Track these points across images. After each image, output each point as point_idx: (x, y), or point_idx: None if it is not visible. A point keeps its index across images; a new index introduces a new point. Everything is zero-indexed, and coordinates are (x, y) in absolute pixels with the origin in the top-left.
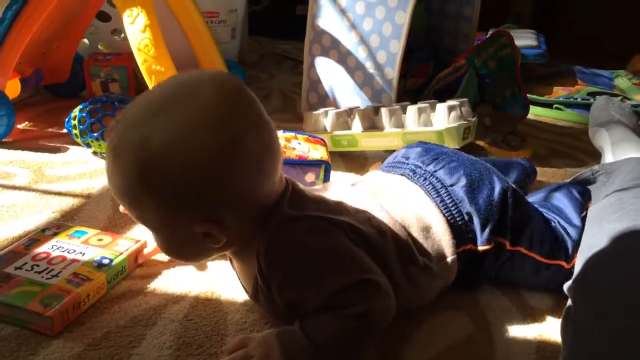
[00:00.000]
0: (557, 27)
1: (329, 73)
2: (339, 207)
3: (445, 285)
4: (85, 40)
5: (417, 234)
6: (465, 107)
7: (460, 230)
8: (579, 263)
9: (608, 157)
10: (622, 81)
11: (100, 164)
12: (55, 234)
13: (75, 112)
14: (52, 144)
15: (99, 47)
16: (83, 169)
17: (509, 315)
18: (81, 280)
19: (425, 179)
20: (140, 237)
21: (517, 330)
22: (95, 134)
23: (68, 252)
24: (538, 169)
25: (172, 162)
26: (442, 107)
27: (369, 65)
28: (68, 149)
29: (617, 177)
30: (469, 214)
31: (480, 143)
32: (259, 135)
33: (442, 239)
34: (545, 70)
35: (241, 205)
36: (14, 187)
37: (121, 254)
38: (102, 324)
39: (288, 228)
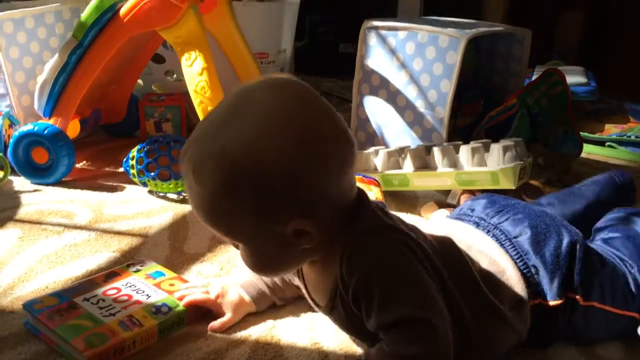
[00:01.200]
0: (604, 62)
1: (377, 112)
2: (414, 229)
3: (519, 341)
4: (140, 81)
5: (489, 276)
6: (520, 147)
7: (527, 282)
8: None
9: None
10: None
11: (156, 203)
12: (137, 271)
13: (134, 152)
14: (110, 183)
15: (153, 87)
16: (140, 207)
17: None
18: (132, 325)
19: (489, 231)
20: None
21: None
22: (152, 174)
23: (137, 292)
24: None
25: (257, 163)
26: (497, 147)
27: (420, 104)
28: (125, 187)
29: None
30: (535, 266)
31: (535, 183)
32: (332, 124)
33: (516, 284)
34: (594, 107)
35: (328, 200)
36: (75, 227)
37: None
38: None
39: (373, 236)
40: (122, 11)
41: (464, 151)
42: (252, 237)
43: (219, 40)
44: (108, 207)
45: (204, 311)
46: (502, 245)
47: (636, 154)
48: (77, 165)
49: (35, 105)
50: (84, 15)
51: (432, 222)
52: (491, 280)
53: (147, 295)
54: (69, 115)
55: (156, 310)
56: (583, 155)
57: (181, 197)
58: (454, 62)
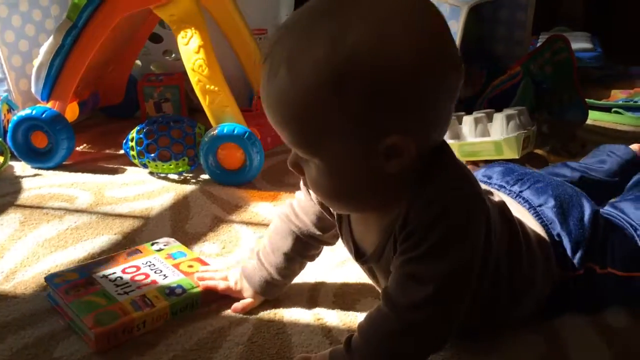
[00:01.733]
0: (610, 28)
1: None
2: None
3: (536, 310)
4: (138, 62)
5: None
6: (524, 116)
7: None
8: None
9: None
10: None
11: (157, 184)
12: (159, 250)
13: (133, 134)
14: (110, 165)
15: (151, 67)
16: (141, 189)
17: (585, 334)
18: (144, 305)
19: (512, 199)
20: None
21: (594, 351)
22: (152, 155)
23: (155, 272)
24: None
25: (374, 64)
26: (500, 117)
27: None
28: (125, 169)
29: None
30: (559, 235)
31: (539, 152)
32: (451, 39)
33: (544, 242)
34: (600, 73)
35: (430, 125)
36: (76, 210)
37: (198, 286)
38: (168, 347)
39: (461, 194)
40: None
41: (467, 122)
42: (334, 149)
43: (216, 17)
44: (109, 190)
45: (218, 294)
46: (518, 195)
47: None
48: (77, 149)
49: (33, 89)
50: None
51: None
52: (528, 245)
53: (164, 275)
54: (66, 98)
55: (170, 291)
56: (589, 122)
57: (182, 177)
58: (456, 31)
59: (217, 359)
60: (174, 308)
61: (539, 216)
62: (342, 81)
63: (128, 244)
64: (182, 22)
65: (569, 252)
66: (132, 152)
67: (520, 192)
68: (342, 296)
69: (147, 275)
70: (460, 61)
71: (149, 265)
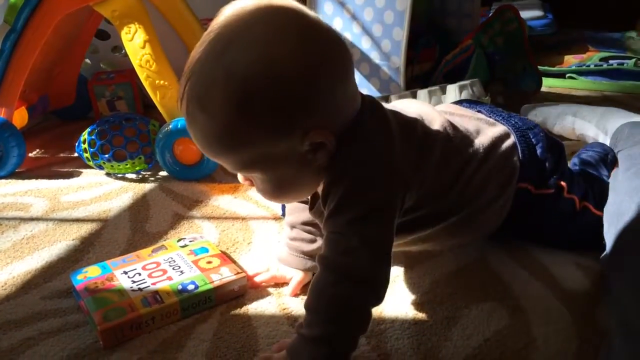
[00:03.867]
0: None
1: None
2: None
3: (495, 225)
4: (87, 60)
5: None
6: (476, 87)
7: (526, 169)
8: (610, 233)
9: (601, 138)
10: (634, 42)
11: (115, 185)
12: (184, 246)
13: (85, 135)
14: (65, 170)
15: (102, 65)
16: (98, 191)
17: (545, 301)
18: (154, 301)
19: (504, 117)
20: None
21: (555, 316)
22: (106, 155)
23: (173, 268)
24: None
25: (268, 75)
26: (452, 88)
27: (374, 56)
28: (81, 172)
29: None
30: (543, 158)
31: None
32: (327, 28)
33: (511, 154)
34: (554, 40)
35: (338, 107)
36: (31, 218)
37: (211, 282)
38: (132, 352)
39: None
40: None
41: (421, 96)
42: (268, 162)
43: (162, 10)
44: (65, 195)
45: (234, 293)
46: (517, 129)
47: (596, 82)
48: (31, 155)
49: None
50: None
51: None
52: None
53: (181, 271)
54: (12, 104)
55: (182, 287)
56: (544, 89)
57: (140, 176)
58: (404, 9)
59: (182, 358)
60: (185, 304)
61: (523, 136)
62: (246, 105)
63: (87, 249)
64: (125, 17)
65: (547, 172)
66: (85, 155)
67: (509, 116)
68: (307, 285)
69: (165, 272)
70: (341, 42)
71: (169, 262)
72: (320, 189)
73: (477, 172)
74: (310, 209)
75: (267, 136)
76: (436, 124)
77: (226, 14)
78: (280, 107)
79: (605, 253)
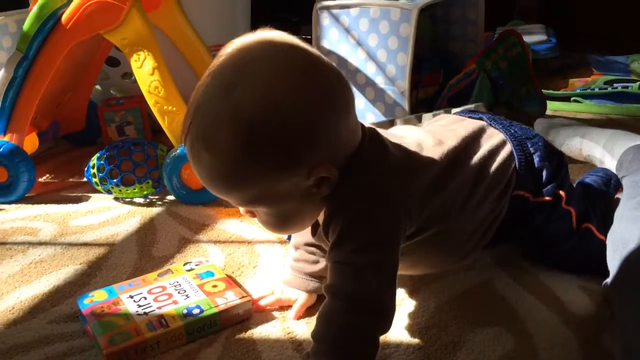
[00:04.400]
0: (565, 18)
1: None
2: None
3: (492, 227)
4: (98, 87)
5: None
6: (481, 110)
7: (523, 178)
8: (614, 259)
9: (607, 160)
10: (638, 65)
11: (123, 209)
12: (190, 270)
13: (94, 160)
14: (74, 194)
15: (111, 92)
16: (106, 216)
17: (551, 325)
18: (159, 325)
19: (504, 126)
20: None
21: (561, 341)
22: (114, 180)
23: (179, 292)
24: None
25: (274, 115)
26: (456, 111)
27: (379, 80)
28: (90, 197)
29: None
30: (540, 164)
31: None
32: (329, 66)
33: (507, 166)
34: (558, 63)
35: (341, 142)
36: (40, 243)
37: (216, 306)
38: None
39: (358, 193)
40: (63, 18)
41: (426, 119)
42: (273, 198)
43: (171, 37)
44: (73, 219)
45: (239, 317)
46: (514, 137)
47: (601, 105)
48: (40, 179)
49: None
50: (25, 25)
51: (439, 118)
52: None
53: (187, 295)
54: (23, 130)
55: (187, 311)
56: (549, 112)
57: (148, 200)
58: (408, 35)
59: None
60: (190, 328)
61: (520, 145)
62: (252, 146)
63: (94, 273)
64: (134, 45)
65: (545, 181)
66: (94, 179)
67: (510, 125)
68: (312, 308)
69: (170, 296)
70: (341, 78)
71: (175, 286)
72: (321, 217)
73: (474, 194)
74: (313, 235)
75: (272, 174)
76: (434, 151)
77: (231, 50)
78: (285, 147)
79: (608, 279)
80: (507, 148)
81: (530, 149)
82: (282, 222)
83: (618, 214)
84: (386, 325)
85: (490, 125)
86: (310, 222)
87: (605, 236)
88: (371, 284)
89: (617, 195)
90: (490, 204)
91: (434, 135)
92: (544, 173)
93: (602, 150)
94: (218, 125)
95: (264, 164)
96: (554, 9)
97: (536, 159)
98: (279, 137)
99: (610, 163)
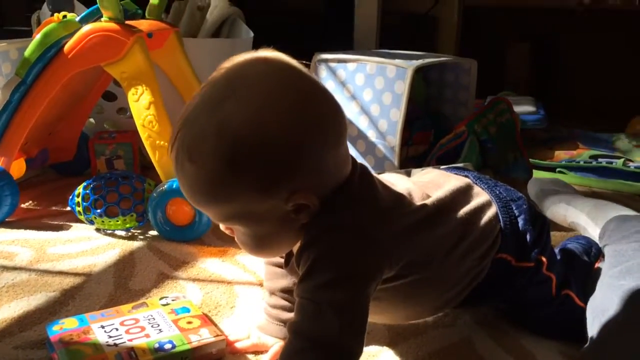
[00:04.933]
0: (554, 94)
1: None
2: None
3: (471, 285)
4: (92, 120)
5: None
6: (468, 169)
7: (508, 240)
8: (593, 326)
9: (591, 228)
10: (623, 143)
11: (103, 241)
12: (165, 305)
13: (79, 189)
14: (56, 222)
15: (105, 126)
16: (85, 246)
17: None
18: (128, 358)
19: (489, 186)
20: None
21: None
22: (98, 211)
23: (152, 325)
24: None
25: (260, 135)
26: (444, 168)
27: (371, 134)
28: (71, 226)
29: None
30: (524, 229)
31: None
32: (325, 95)
33: (492, 226)
34: (546, 135)
35: (326, 173)
36: (15, 267)
37: (189, 343)
38: None
39: (334, 235)
40: (66, 47)
41: (415, 174)
42: (251, 217)
43: (170, 75)
44: (52, 247)
45: (212, 356)
46: (499, 199)
47: (585, 178)
48: (23, 205)
49: None
50: (27, 51)
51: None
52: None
53: (160, 330)
54: (12, 155)
55: (159, 346)
56: None
57: (130, 233)
58: (402, 92)
59: None
60: None
61: (505, 207)
62: (233, 164)
63: (66, 301)
64: (133, 79)
65: (529, 244)
66: (78, 208)
67: (495, 185)
68: None
69: (143, 329)
70: (336, 107)
71: (149, 319)
72: (296, 248)
73: (458, 247)
74: (285, 266)
75: (251, 195)
76: (422, 199)
77: (228, 65)
78: (267, 170)
79: (587, 346)
80: (493, 209)
81: (515, 211)
82: (257, 243)
83: (599, 282)
84: None
85: (476, 184)
86: (287, 248)
87: (585, 303)
88: (332, 325)
89: (597, 265)
90: (472, 262)
91: (422, 186)
92: (528, 237)
93: (585, 218)
94: (203, 139)
95: (243, 183)
96: (543, 84)
97: (520, 222)
98: (260, 156)
99: (593, 231)
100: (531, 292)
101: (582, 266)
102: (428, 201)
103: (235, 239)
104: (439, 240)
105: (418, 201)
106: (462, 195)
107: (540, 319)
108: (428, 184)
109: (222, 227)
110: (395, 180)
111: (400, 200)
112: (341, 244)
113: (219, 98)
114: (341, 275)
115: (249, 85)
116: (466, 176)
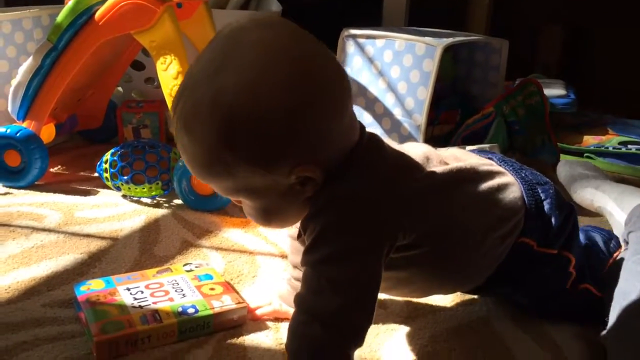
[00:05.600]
0: (586, 78)
1: None
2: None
3: (487, 273)
4: (120, 89)
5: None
6: (495, 150)
7: (532, 224)
8: (614, 310)
9: (617, 214)
10: None
11: (129, 207)
12: (189, 271)
13: (107, 155)
14: (83, 187)
15: (133, 95)
16: (112, 211)
17: None
18: (152, 320)
19: (514, 169)
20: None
21: None
22: (125, 177)
23: (176, 290)
24: None
25: (255, 106)
26: (471, 149)
27: (397, 112)
28: (98, 192)
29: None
30: (550, 213)
31: None
32: (327, 61)
33: (516, 206)
34: (574, 120)
35: (329, 143)
36: (44, 229)
37: (211, 308)
38: None
39: (345, 203)
40: (97, 14)
41: None
42: (254, 191)
43: (198, 46)
44: (79, 211)
45: (233, 322)
46: (525, 181)
47: (614, 164)
48: (52, 170)
49: (9, 108)
50: (59, 17)
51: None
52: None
53: (183, 294)
54: (42, 119)
55: (182, 310)
56: None
57: (155, 201)
58: (431, 70)
59: None
60: (182, 327)
61: (531, 190)
62: (229, 136)
63: (93, 263)
64: (162, 49)
65: (554, 230)
66: (105, 174)
67: (521, 168)
68: None
69: (167, 293)
70: (339, 74)
71: (173, 284)
72: None
73: (479, 222)
74: (298, 237)
75: (251, 169)
76: (441, 166)
77: (224, 33)
78: (264, 142)
79: (607, 329)
80: (517, 189)
81: (542, 194)
82: (264, 216)
83: (623, 267)
84: (353, 343)
85: (500, 165)
86: (295, 220)
87: (603, 294)
88: (333, 299)
89: (619, 254)
90: (494, 240)
91: (440, 155)
92: (553, 221)
93: (612, 204)
94: (199, 110)
95: (240, 156)
96: (575, 68)
97: (546, 206)
98: (257, 130)
99: (619, 217)
100: (549, 283)
101: (600, 259)
102: (445, 167)
103: (244, 210)
104: (456, 211)
105: (434, 166)
106: (484, 171)
107: (555, 309)
108: (448, 157)
109: (231, 200)
110: (411, 148)
111: (414, 165)
112: (347, 214)
113: (216, 66)
114: (346, 248)
115: (244, 54)
116: (490, 158)
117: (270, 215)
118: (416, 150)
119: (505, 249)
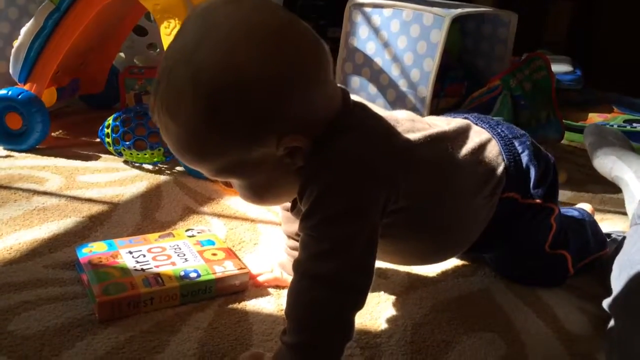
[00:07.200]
0: (592, 55)
1: (360, 91)
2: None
3: (478, 232)
4: (122, 54)
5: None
6: None
7: (513, 178)
8: (620, 279)
9: (633, 185)
10: None
11: (131, 173)
12: (191, 236)
13: (109, 120)
14: (85, 152)
15: (135, 60)
16: (114, 176)
17: (545, 339)
18: (155, 283)
19: (491, 125)
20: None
21: (554, 355)
22: (127, 143)
23: (178, 254)
24: (574, 194)
25: (236, 81)
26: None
27: (402, 83)
28: (100, 157)
29: None
30: (527, 166)
31: None
32: (301, 29)
33: (496, 163)
34: (580, 97)
35: (314, 110)
36: (45, 192)
37: (214, 273)
38: (125, 329)
39: (334, 146)
40: None
41: None
42: (244, 168)
43: None
44: (81, 175)
45: (235, 287)
46: (501, 138)
47: None
48: (53, 134)
49: (11, 71)
50: None
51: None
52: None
53: (186, 259)
54: (44, 82)
55: (185, 274)
56: (565, 142)
57: (157, 167)
58: (438, 41)
59: (175, 342)
60: (184, 290)
61: (507, 145)
62: (214, 114)
63: (95, 227)
64: (166, 12)
65: (532, 183)
66: (107, 139)
67: (497, 124)
68: None
69: (170, 257)
70: (317, 43)
71: (175, 249)
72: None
73: (466, 184)
74: (291, 210)
75: (238, 144)
76: (425, 129)
77: (198, 11)
78: (249, 115)
79: (612, 296)
80: (495, 146)
81: (518, 148)
82: (256, 193)
83: (630, 238)
84: (355, 305)
85: (476, 124)
86: (288, 195)
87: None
88: (334, 261)
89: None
90: (482, 200)
91: (424, 119)
92: (532, 173)
93: (632, 175)
94: (180, 95)
95: (227, 134)
96: (582, 45)
97: (524, 159)
98: (241, 105)
99: (635, 188)
100: (532, 236)
101: (584, 237)
102: (429, 129)
103: (235, 189)
104: (442, 171)
105: (419, 129)
106: (463, 132)
107: (524, 269)
108: (429, 121)
109: (221, 182)
110: (394, 113)
111: (400, 123)
112: (344, 174)
113: (193, 44)
114: (344, 209)
115: (217, 32)
116: (466, 117)
117: (262, 192)
118: (401, 114)
119: (492, 206)
